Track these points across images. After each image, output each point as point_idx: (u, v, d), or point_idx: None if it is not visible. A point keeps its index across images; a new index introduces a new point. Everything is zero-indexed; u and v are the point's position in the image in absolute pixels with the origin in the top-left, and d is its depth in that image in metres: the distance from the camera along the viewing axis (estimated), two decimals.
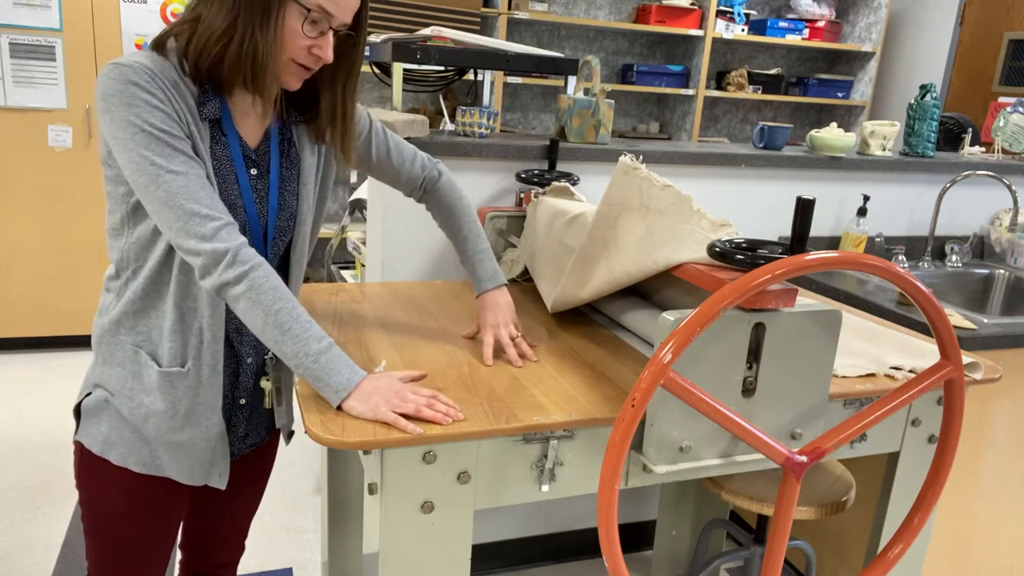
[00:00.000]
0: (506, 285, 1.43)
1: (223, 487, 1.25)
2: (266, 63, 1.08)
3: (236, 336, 1.23)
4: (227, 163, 1.15)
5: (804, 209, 1.14)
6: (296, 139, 1.24)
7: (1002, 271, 2.56)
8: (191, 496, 1.42)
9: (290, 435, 1.40)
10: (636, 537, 2.50)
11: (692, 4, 4.21)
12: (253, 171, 1.18)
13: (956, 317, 1.92)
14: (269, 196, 1.20)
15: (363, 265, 2.11)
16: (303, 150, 1.24)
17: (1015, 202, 2.35)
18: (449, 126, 2.21)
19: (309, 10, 1.07)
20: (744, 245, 1.18)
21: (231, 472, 1.39)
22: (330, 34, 1.11)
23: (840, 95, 4.69)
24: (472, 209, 1.47)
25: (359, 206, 2.52)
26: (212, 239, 1.06)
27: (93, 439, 1.20)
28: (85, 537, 1.27)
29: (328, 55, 1.11)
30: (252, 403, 1.29)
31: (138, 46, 3.52)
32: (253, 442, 1.33)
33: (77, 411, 1.23)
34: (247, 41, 1.06)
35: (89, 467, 1.22)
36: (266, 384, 1.27)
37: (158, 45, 1.11)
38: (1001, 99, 3.07)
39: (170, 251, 1.13)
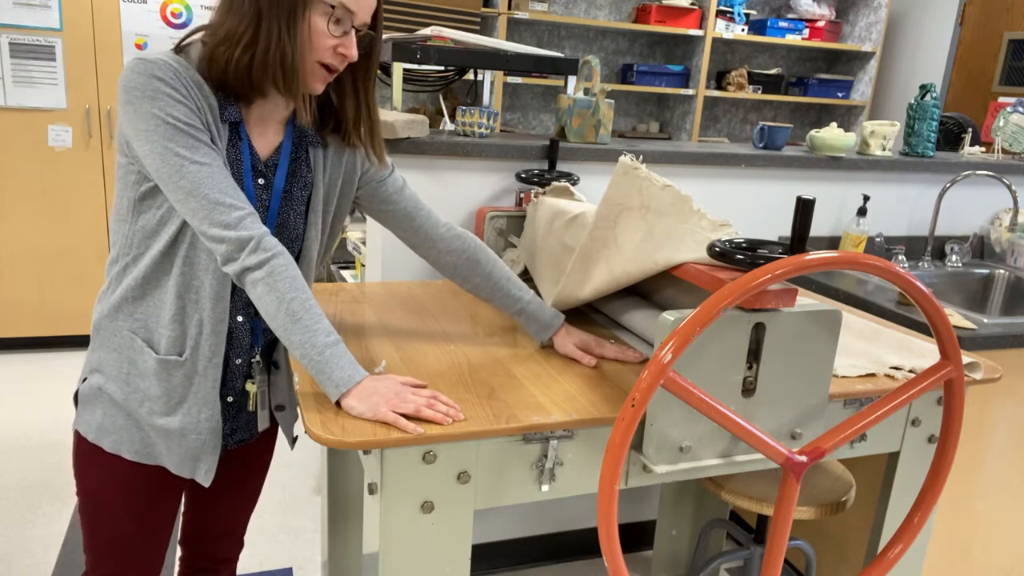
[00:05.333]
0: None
1: (207, 484, 1.26)
2: (296, 65, 1.10)
3: (227, 337, 1.23)
4: (238, 167, 1.17)
5: (804, 209, 1.14)
6: (312, 162, 1.25)
7: (1002, 271, 2.56)
8: (187, 490, 1.43)
9: (294, 440, 1.41)
10: (636, 537, 2.50)
11: (692, 4, 4.21)
12: (260, 180, 1.20)
13: (956, 317, 1.92)
14: (270, 208, 1.21)
15: (363, 265, 2.11)
16: (317, 174, 1.25)
17: (1015, 202, 2.35)
18: (449, 126, 2.21)
19: (333, 7, 1.10)
20: (744, 245, 1.18)
21: (225, 467, 1.41)
22: (353, 32, 1.13)
23: (840, 95, 4.69)
24: None
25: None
26: (237, 227, 1.08)
27: (88, 426, 1.22)
28: (82, 528, 1.28)
29: (353, 52, 1.14)
30: (239, 402, 1.30)
31: (138, 46, 3.52)
32: (241, 438, 1.34)
33: (76, 398, 1.25)
34: (274, 46, 1.08)
35: (84, 455, 1.24)
36: (251, 387, 1.28)
37: (180, 50, 1.13)
38: (1001, 99, 3.07)
39: (174, 243, 1.14)
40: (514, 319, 1.44)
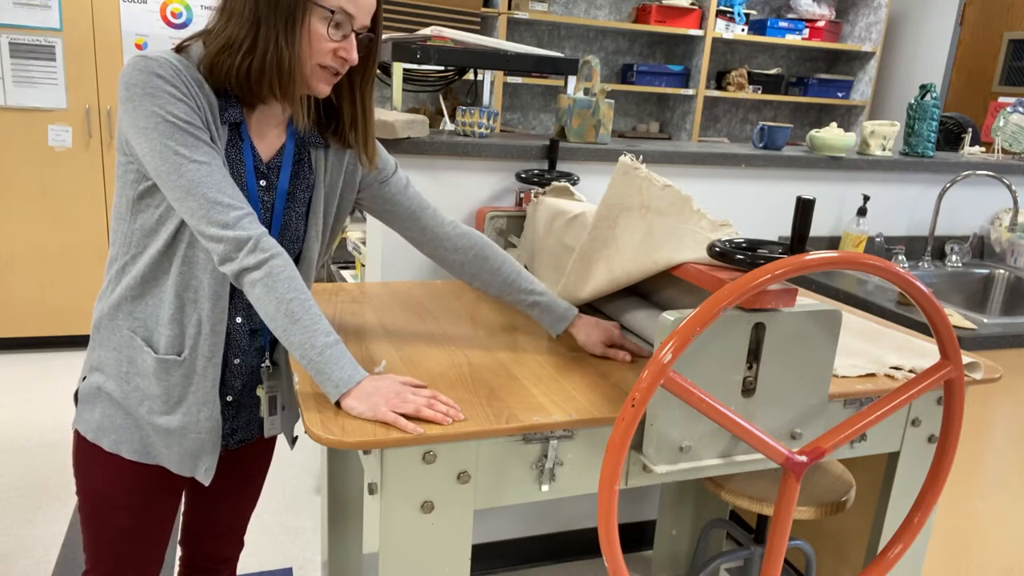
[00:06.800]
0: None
1: (207, 482, 1.26)
2: (293, 70, 1.10)
3: (226, 337, 1.23)
4: (240, 168, 1.17)
5: (804, 209, 1.14)
6: (313, 163, 1.25)
7: (1002, 271, 2.56)
8: (188, 490, 1.43)
9: (294, 440, 1.41)
10: (636, 537, 2.50)
11: (692, 4, 4.21)
12: (262, 182, 1.20)
13: (956, 317, 1.92)
14: (275, 210, 1.21)
15: (363, 265, 2.11)
16: (318, 176, 1.25)
17: (1015, 202, 2.35)
18: (449, 126, 2.21)
19: (333, 12, 1.09)
20: (744, 245, 1.18)
21: (225, 467, 1.41)
22: (353, 36, 1.13)
23: (840, 95, 4.69)
24: None
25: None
26: (235, 227, 1.08)
27: (87, 425, 1.22)
28: (81, 527, 1.28)
29: (354, 56, 1.14)
30: (240, 401, 1.30)
31: (138, 46, 3.52)
32: (242, 438, 1.34)
33: (76, 397, 1.25)
34: (271, 51, 1.08)
35: (84, 454, 1.24)
36: (261, 392, 1.28)
37: (181, 49, 1.13)
38: (1001, 99, 3.07)
39: (172, 242, 1.14)
40: (527, 313, 1.42)
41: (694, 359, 1.10)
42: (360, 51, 1.17)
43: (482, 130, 2.04)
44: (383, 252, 1.96)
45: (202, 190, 1.07)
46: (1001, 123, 2.87)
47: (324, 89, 1.16)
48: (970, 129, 2.95)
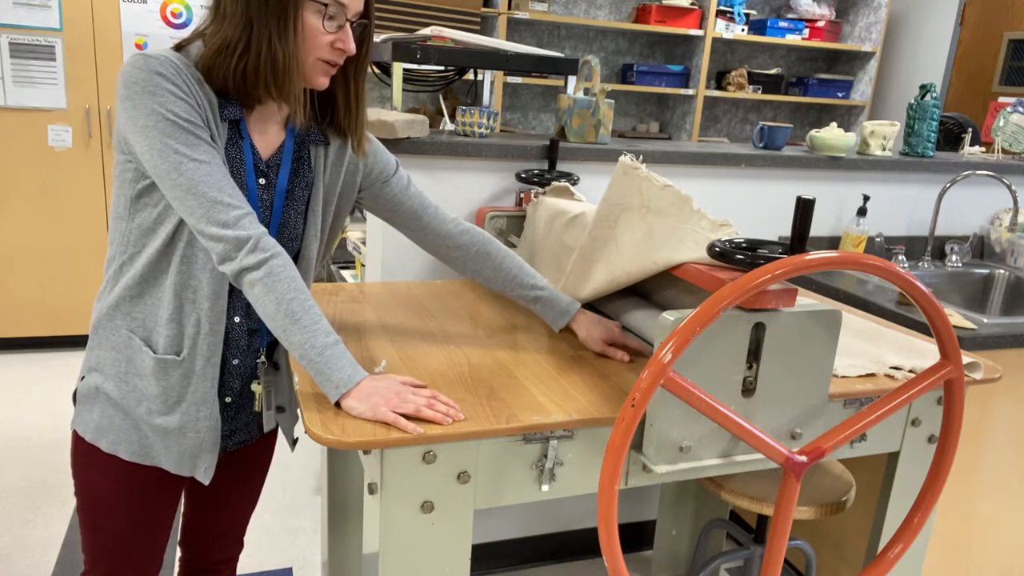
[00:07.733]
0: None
1: (207, 482, 1.26)
2: (290, 67, 1.09)
3: (224, 337, 1.23)
4: (239, 166, 1.16)
5: (804, 209, 1.14)
6: (313, 162, 1.25)
7: (1002, 271, 2.56)
8: (187, 490, 1.43)
9: (295, 442, 1.41)
10: (636, 537, 2.50)
11: (692, 4, 4.21)
12: (262, 180, 1.19)
13: (956, 317, 1.92)
14: (273, 208, 1.21)
15: (363, 265, 2.11)
16: (318, 174, 1.25)
17: (1015, 202, 2.35)
18: (449, 126, 2.21)
19: (326, 5, 1.09)
20: (744, 245, 1.18)
21: (225, 468, 1.40)
22: (348, 25, 1.12)
23: (840, 95, 4.69)
24: None
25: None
26: (235, 226, 1.08)
27: (86, 426, 1.22)
28: (80, 527, 1.28)
29: (351, 46, 1.13)
30: (239, 402, 1.30)
31: (138, 46, 3.52)
32: (241, 439, 1.34)
33: (75, 397, 1.25)
34: (265, 49, 1.07)
35: (82, 454, 1.24)
36: (256, 387, 1.28)
37: (180, 48, 1.13)
38: (1001, 99, 3.07)
39: (171, 241, 1.14)
40: (529, 308, 1.43)
41: (694, 359, 1.10)
42: (354, 39, 1.16)
43: (482, 130, 2.04)
44: (383, 252, 1.96)
45: (202, 189, 1.07)
46: (1001, 123, 2.87)
47: (323, 82, 1.16)
48: (970, 129, 2.95)
